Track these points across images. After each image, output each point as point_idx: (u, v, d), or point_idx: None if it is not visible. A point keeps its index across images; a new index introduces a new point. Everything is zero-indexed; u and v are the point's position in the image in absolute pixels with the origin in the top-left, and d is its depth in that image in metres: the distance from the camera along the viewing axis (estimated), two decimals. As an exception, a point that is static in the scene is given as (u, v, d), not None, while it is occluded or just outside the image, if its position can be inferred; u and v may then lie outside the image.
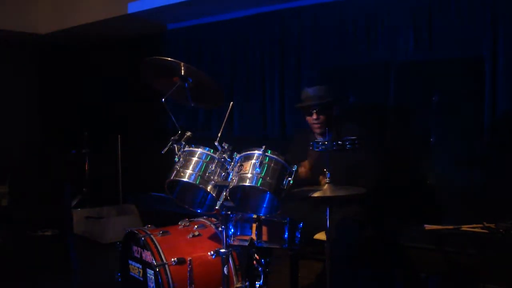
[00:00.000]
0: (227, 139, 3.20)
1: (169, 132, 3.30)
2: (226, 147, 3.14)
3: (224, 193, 3.03)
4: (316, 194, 2.99)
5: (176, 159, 3.19)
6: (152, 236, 3.49)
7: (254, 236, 3.16)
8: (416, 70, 5.00)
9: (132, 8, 6.34)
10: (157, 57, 3.21)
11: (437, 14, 4.85)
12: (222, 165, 3.13)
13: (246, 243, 3.16)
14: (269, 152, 2.96)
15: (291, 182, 2.96)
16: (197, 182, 3.08)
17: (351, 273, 3.48)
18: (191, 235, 3.61)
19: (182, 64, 3.19)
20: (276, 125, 5.98)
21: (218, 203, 3.03)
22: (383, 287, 4.25)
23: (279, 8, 5.91)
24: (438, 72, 4.84)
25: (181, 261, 3.38)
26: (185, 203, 3.39)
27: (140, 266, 3.54)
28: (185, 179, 3.10)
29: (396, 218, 4.61)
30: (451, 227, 4.38)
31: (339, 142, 3.05)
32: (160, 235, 3.53)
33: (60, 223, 6.61)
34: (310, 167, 3.78)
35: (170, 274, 3.33)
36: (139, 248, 3.53)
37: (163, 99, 3.31)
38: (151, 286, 3.41)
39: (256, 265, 3.26)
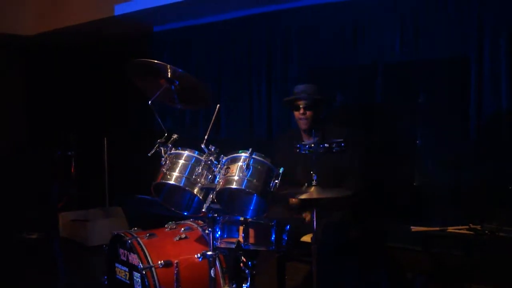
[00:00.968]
0: (213, 141, 3.20)
1: (155, 134, 3.29)
2: (212, 149, 3.13)
3: (211, 196, 3.03)
4: (303, 197, 2.99)
5: (163, 162, 3.18)
6: (138, 239, 3.48)
7: (241, 239, 3.16)
8: (403, 71, 5.02)
9: (119, 10, 6.31)
10: (143, 59, 3.19)
11: (423, 15, 4.86)
12: (209, 168, 3.12)
13: (233, 246, 3.16)
14: (255, 155, 2.96)
15: (278, 184, 2.97)
16: (184, 185, 3.08)
17: (337, 274, 3.49)
18: (177, 238, 3.60)
19: (168, 66, 3.18)
20: (263, 127, 5.97)
21: (205, 205, 3.03)
22: (370, 289, 4.27)
23: (266, 11, 5.91)
24: (425, 73, 4.86)
25: (167, 264, 3.37)
26: (172, 205, 3.38)
27: (127, 269, 3.53)
28: (172, 182, 3.10)
29: (383, 220, 4.62)
30: (437, 228, 4.39)
31: (325, 145, 3.06)
32: (146, 238, 3.52)
33: (46, 225, 6.57)
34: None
35: (157, 277, 3.32)
36: (125, 251, 3.52)
37: (150, 102, 3.30)
38: (138, 289, 3.40)
39: (243, 268, 3.26)
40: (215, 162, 3.11)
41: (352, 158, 3.77)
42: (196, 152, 3.17)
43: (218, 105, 3.49)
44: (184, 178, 3.08)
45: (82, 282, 4.91)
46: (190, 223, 3.86)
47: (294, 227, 3.28)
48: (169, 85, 3.30)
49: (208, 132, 3.21)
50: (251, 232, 3.17)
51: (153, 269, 3.32)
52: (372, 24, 5.15)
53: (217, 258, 3.34)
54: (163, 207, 3.38)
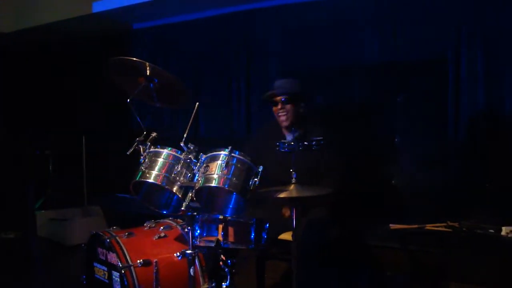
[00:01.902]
0: (193, 139, 3.19)
1: (134, 132, 3.27)
2: (192, 147, 3.12)
3: (190, 194, 3.02)
4: (282, 195, 2.99)
5: (142, 160, 3.16)
6: (117, 238, 3.45)
7: (220, 237, 3.14)
8: (382, 71, 5.05)
9: (97, 7, 6.27)
10: (122, 57, 3.17)
11: (402, 16, 4.90)
12: (188, 166, 3.11)
13: (213, 244, 3.15)
14: (235, 153, 2.96)
15: (257, 182, 2.97)
16: (163, 183, 3.06)
17: (317, 273, 3.50)
18: (157, 237, 3.58)
19: (147, 64, 3.16)
20: (242, 125, 5.98)
21: (184, 204, 3.02)
22: (349, 287, 4.28)
23: (246, 9, 5.91)
24: (403, 73, 4.90)
25: (147, 263, 3.35)
26: (151, 204, 3.36)
27: (106, 268, 3.50)
28: (151, 180, 3.08)
29: (362, 218, 4.65)
30: (415, 226, 4.44)
31: (305, 143, 3.06)
32: (125, 236, 3.50)
33: (23, 225, 6.50)
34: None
35: (136, 276, 3.29)
36: (104, 250, 3.49)
37: (129, 100, 3.27)
38: (117, 288, 3.38)
39: (222, 266, 3.25)
40: (194, 160, 3.10)
41: (330, 157, 3.78)
42: (176, 150, 3.15)
43: (197, 104, 3.48)
44: (163, 177, 3.07)
45: (60, 281, 4.87)
46: (169, 221, 3.84)
47: (273, 225, 3.28)
48: (148, 83, 3.28)
49: (187, 130, 3.19)
50: (231, 230, 3.15)
51: (132, 268, 3.30)
52: (351, 24, 5.17)
53: (196, 257, 3.33)
54: (142, 206, 3.36)
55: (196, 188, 2.97)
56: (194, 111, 3.34)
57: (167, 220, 3.87)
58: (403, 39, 4.94)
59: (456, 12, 4.67)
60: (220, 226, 3.16)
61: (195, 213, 3.15)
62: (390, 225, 4.50)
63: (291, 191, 3.01)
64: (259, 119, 5.83)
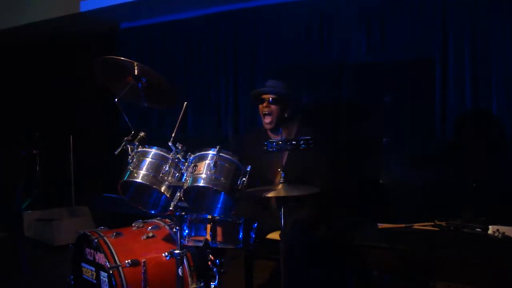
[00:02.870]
0: (181, 139, 3.18)
1: (122, 132, 3.25)
2: (180, 147, 3.11)
3: (178, 194, 3.01)
4: (270, 194, 3.00)
5: (129, 160, 3.15)
6: (105, 238, 3.44)
7: (208, 237, 3.14)
8: (369, 71, 5.07)
9: (85, 6, 6.25)
10: (110, 56, 3.16)
11: (389, 16, 4.92)
12: (176, 166, 3.10)
13: (201, 244, 3.15)
14: (223, 152, 2.96)
15: (245, 182, 2.97)
16: (151, 183, 3.06)
17: (305, 272, 3.50)
18: (145, 237, 3.57)
19: (135, 63, 3.15)
20: (230, 125, 5.98)
21: (172, 204, 3.01)
22: (337, 286, 4.29)
23: (233, 8, 5.91)
24: (390, 73, 4.92)
25: (135, 263, 3.34)
26: (139, 204, 3.35)
27: (94, 269, 3.49)
28: (139, 180, 3.07)
29: (349, 217, 4.66)
30: (403, 225, 4.46)
31: (293, 142, 3.06)
32: (113, 237, 3.48)
33: (10, 225, 6.46)
34: None
35: (124, 276, 3.28)
36: (92, 251, 3.47)
37: (116, 99, 3.26)
38: (105, 288, 3.36)
39: (211, 266, 3.26)
40: (182, 160, 3.10)
41: (318, 157, 3.78)
42: (163, 150, 3.14)
43: (185, 103, 3.47)
44: (151, 177, 3.06)
45: (47, 282, 4.84)
46: (158, 221, 3.83)
47: (261, 225, 3.28)
48: (136, 83, 3.27)
49: (175, 130, 3.19)
50: (219, 230, 3.16)
51: (120, 268, 3.29)
52: (339, 24, 5.19)
53: (184, 257, 3.32)
54: (130, 206, 3.35)
55: (184, 187, 2.96)
56: (182, 111, 3.33)
57: (155, 220, 3.86)
58: (390, 39, 4.97)
59: (443, 13, 4.69)
60: (208, 226, 3.16)
61: (183, 213, 3.15)
62: (378, 224, 4.52)
63: (279, 190, 3.01)
64: (246, 118, 5.83)
